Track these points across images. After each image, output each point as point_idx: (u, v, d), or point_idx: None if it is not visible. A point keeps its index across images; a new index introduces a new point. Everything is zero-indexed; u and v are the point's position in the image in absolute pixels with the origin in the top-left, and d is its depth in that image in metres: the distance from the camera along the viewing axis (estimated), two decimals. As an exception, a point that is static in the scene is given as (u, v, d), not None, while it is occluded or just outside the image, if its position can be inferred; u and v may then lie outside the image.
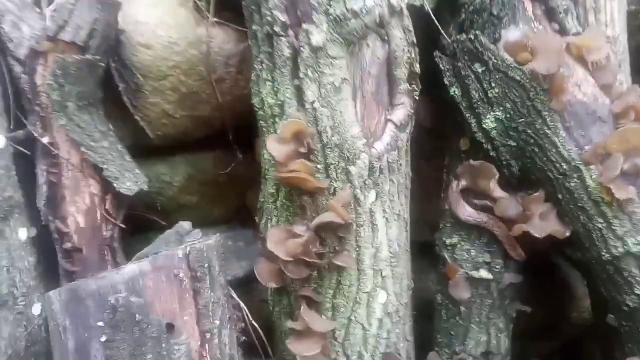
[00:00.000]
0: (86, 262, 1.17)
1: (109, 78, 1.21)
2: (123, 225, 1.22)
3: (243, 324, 1.08)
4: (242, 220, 1.50)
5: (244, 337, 1.05)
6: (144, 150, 1.33)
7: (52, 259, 1.17)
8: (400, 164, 0.98)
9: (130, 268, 0.85)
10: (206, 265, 0.93)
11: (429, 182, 1.21)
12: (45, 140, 1.12)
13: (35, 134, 1.12)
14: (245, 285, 1.36)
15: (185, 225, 1.06)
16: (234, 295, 1.07)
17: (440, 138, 1.18)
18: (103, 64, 1.14)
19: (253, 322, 1.09)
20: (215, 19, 1.22)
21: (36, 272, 1.12)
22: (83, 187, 1.16)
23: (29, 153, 1.15)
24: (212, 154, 1.41)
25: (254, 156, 1.36)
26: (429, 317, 1.19)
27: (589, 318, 1.42)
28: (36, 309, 1.10)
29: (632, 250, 0.84)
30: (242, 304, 1.07)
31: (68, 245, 1.15)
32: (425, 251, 1.25)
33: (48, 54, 1.10)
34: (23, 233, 1.10)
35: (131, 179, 1.19)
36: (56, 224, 1.14)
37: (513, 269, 1.03)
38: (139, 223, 1.37)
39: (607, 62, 0.90)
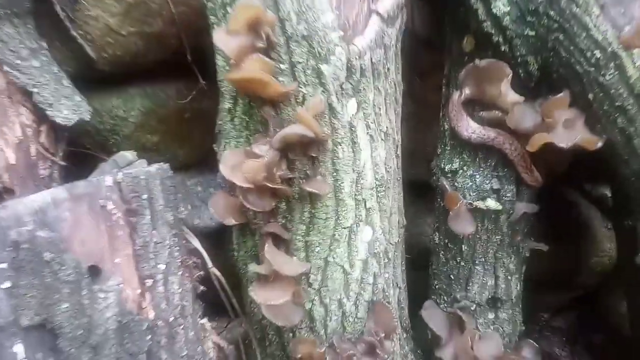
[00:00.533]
0: (19, 205, 0.99)
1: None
2: (63, 163, 1.04)
3: (203, 272, 0.90)
4: (213, 164, 1.30)
5: (202, 287, 0.88)
6: (91, 79, 1.13)
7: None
8: (388, 69, 0.78)
9: (41, 196, 0.66)
10: (145, 196, 0.74)
11: (425, 106, 1.02)
12: (-41, 56, 0.92)
13: (-54, 49, 0.92)
14: (218, 236, 1.19)
15: (128, 154, 0.88)
16: (192, 237, 0.89)
17: (438, 51, 0.97)
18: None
19: (215, 270, 0.91)
20: None
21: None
22: (12, 116, 0.97)
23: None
24: (175, 84, 1.21)
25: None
26: (424, 267, 1.02)
27: (610, 264, 1.25)
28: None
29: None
30: (200, 248, 0.89)
31: (-2, 185, 0.97)
32: (420, 192, 1.07)
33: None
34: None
35: (69, 107, 0.99)
36: (-21, 158, 0.95)
37: (527, 198, 0.84)
38: (91, 167, 1.19)
39: None
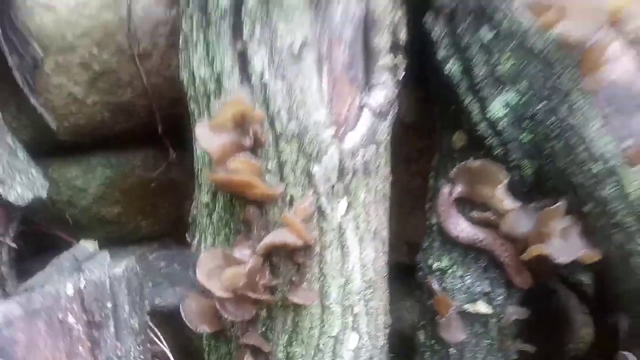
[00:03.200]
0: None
1: (-3, 50, 0.92)
2: (14, 245, 0.93)
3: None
4: (178, 237, 1.22)
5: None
6: (48, 147, 1.04)
7: None
8: (379, 165, 0.74)
9: (-13, 313, 0.56)
10: (109, 305, 0.65)
11: (407, 191, 0.99)
12: None
13: None
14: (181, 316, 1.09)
15: (88, 245, 0.78)
16: (161, 341, 0.80)
17: (424, 136, 0.95)
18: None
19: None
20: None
21: None
22: (-44, 194, 0.86)
23: None
24: (140, 154, 1.13)
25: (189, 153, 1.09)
26: (405, 356, 0.96)
27: (584, 349, 1.23)
28: None
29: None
30: (169, 354, 0.80)
31: None
32: (399, 274, 1.02)
33: None
34: None
35: (23, 183, 0.91)
36: None
37: (516, 301, 0.81)
38: (43, 241, 1.09)
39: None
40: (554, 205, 0.69)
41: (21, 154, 0.93)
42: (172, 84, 0.99)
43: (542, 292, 1.11)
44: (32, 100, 0.95)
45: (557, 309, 1.16)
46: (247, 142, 0.64)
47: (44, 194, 0.93)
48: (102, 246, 0.89)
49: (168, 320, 1.07)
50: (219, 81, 0.66)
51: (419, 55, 0.76)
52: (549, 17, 0.63)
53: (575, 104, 0.65)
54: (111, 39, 0.94)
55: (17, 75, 0.92)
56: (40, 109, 0.95)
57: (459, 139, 0.79)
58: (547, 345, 1.19)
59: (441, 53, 0.71)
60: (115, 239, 1.18)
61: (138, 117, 1.04)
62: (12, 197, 0.88)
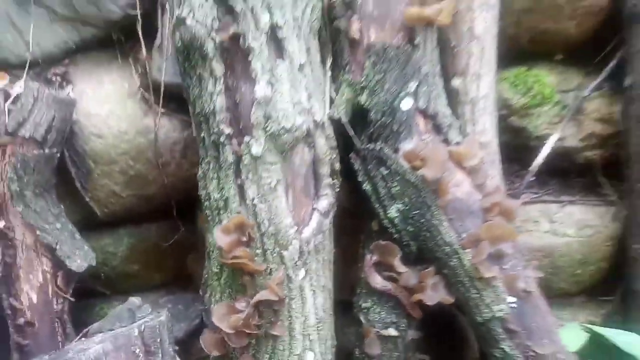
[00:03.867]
0: (38, 335, 1.26)
1: (60, 161, 1.33)
2: (72, 299, 1.33)
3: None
4: (181, 284, 1.63)
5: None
6: (90, 224, 1.45)
7: (2, 335, 1.25)
8: (325, 244, 1.19)
9: (95, 349, 0.97)
10: (158, 340, 1.07)
11: (346, 255, 1.42)
12: (1, 224, 1.21)
13: (-9, 219, 1.21)
14: (184, 344, 1.50)
15: (136, 301, 1.20)
16: (181, 361, 1.21)
17: (357, 218, 1.40)
18: (58, 155, 1.27)
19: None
20: (162, 110, 1.39)
21: (-10, 347, 1.20)
22: (36, 266, 1.26)
23: (-17, 236, 1.24)
24: (154, 226, 1.55)
25: (195, 227, 1.52)
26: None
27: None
28: (-12, 384, 1.17)
29: (496, 315, 1.09)
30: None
31: (21, 320, 1.24)
32: (345, 310, 1.45)
33: (6, 147, 1.21)
34: (-22, 313, 1.18)
35: (81, 257, 1.31)
36: (10, 301, 1.23)
37: (414, 326, 1.26)
38: (82, 291, 1.47)
39: (480, 166, 1.18)
40: (428, 269, 1.16)
41: (77, 235, 1.34)
42: (183, 182, 1.42)
43: (444, 317, 1.57)
44: (86, 196, 1.36)
45: (458, 332, 1.62)
46: (244, 239, 1.08)
47: (93, 262, 1.34)
48: (125, 294, 1.30)
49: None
50: (226, 202, 1.10)
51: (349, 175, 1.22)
52: (416, 163, 1.10)
53: (435, 212, 1.12)
54: (142, 154, 1.37)
55: (77, 183, 1.34)
56: (91, 203, 1.37)
57: (375, 225, 1.24)
58: (453, 356, 1.64)
59: (360, 178, 1.17)
60: (134, 288, 1.58)
61: (157, 202, 1.46)
62: (74, 267, 1.29)
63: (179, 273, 1.63)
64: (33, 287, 1.26)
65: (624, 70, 1.40)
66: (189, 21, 1.07)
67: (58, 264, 1.28)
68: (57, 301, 1.29)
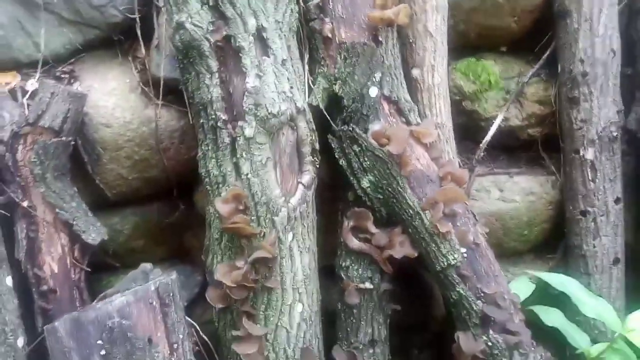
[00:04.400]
0: (59, 301, 1.44)
1: (73, 148, 1.51)
2: (88, 269, 1.51)
3: (195, 338, 1.42)
4: (181, 257, 1.83)
5: (196, 347, 1.40)
6: (100, 205, 1.63)
7: (26, 301, 1.43)
8: (308, 212, 1.40)
9: (119, 300, 1.17)
10: (171, 294, 1.27)
11: (329, 220, 1.64)
12: (25, 204, 1.39)
13: (17, 199, 1.39)
14: (187, 310, 1.69)
15: (148, 265, 1.39)
16: (188, 319, 1.41)
17: (335, 190, 1.62)
18: (73, 142, 1.45)
19: (203, 335, 1.44)
20: (161, 102, 1.57)
21: (18, 312, 1.37)
22: (56, 240, 1.44)
23: (9, 215, 1.41)
24: (156, 205, 1.73)
25: (192, 206, 1.71)
26: (333, 323, 1.61)
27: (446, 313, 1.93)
28: (20, 342, 1.35)
29: (452, 263, 1.33)
30: (194, 323, 1.42)
31: (44, 287, 1.42)
32: (328, 273, 1.67)
33: (27, 136, 1.38)
34: (9, 280, 1.35)
35: (95, 231, 1.49)
36: (34, 271, 1.41)
37: (387, 280, 1.48)
38: (93, 265, 1.65)
39: (436, 143, 1.41)
40: (395, 229, 1.39)
41: (89, 213, 1.52)
42: (181, 165, 1.62)
43: (413, 276, 1.80)
44: (96, 179, 1.54)
45: (426, 288, 1.85)
46: (240, 208, 1.29)
47: (105, 237, 1.52)
48: (131, 267, 1.49)
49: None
50: (224, 177, 1.30)
51: (327, 153, 1.43)
52: (382, 141, 1.32)
53: (399, 181, 1.34)
54: (145, 141, 1.55)
55: (88, 167, 1.52)
56: (101, 185, 1.55)
57: (350, 195, 1.46)
58: (421, 313, 1.88)
59: (336, 155, 1.39)
60: (139, 262, 1.75)
61: (159, 184, 1.65)
62: (89, 240, 1.47)
63: (179, 248, 1.82)
64: (54, 258, 1.44)
65: (557, 59, 1.65)
66: (187, 25, 1.27)
67: (74, 238, 1.46)
68: (74, 271, 1.47)
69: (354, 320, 1.47)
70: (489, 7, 1.59)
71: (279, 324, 1.36)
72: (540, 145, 1.76)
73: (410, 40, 1.48)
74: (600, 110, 1.58)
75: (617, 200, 1.62)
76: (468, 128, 1.71)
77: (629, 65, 1.68)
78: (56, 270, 1.44)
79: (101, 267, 1.68)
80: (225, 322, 1.41)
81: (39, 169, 1.37)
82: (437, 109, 1.50)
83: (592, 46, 1.56)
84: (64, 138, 1.41)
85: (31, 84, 1.51)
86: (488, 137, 1.66)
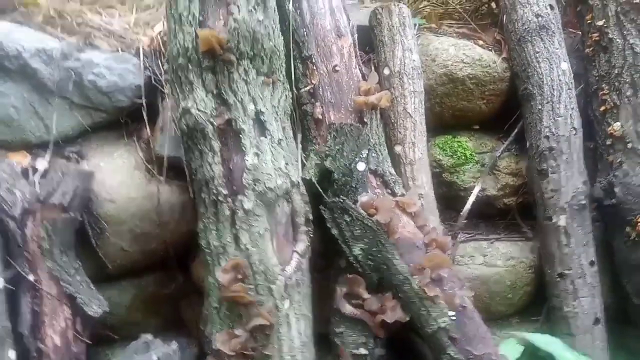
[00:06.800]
0: (60, 376, 1.46)
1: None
2: (90, 342, 1.54)
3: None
4: (177, 330, 1.86)
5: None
6: (99, 278, 1.68)
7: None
8: (304, 279, 1.47)
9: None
10: (171, 365, 1.31)
11: (323, 288, 1.70)
12: (31, 277, 1.45)
13: (23, 273, 1.44)
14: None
15: (148, 336, 1.44)
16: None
17: (328, 258, 1.70)
18: (79, 218, 1.53)
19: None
20: (164, 178, 1.68)
21: (19, 387, 1.39)
22: (59, 313, 1.48)
23: (14, 289, 1.46)
24: (153, 277, 1.79)
25: (189, 277, 1.78)
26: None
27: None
28: (19, 420, 1.35)
29: (441, 326, 1.40)
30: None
31: (45, 362, 1.44)
32: (324, 340, 1.71)
33: (37, 212, 1.47)
34: (12, 354, 1.38)
35: (97, 304, 1.53)
36: (37, 344, 1.43)
37: (380, 345, 1.54)
38: (93, 338, 1.68)
39: (420, 212, 1.53)
40: (387, 295, 1.46)
41: (91, 286, 1.57)
42: (181, 238, 1.70)
43: (406, 343, 1.85)
44: (99, 252, 1.61)
45: (418, 353, 1.89)
46: (239, 277, 1.36)
47: (107, 309, 1.56)
48: (127, 340, 1.53)
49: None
50: (224, 247, 1.39)
51: (320, 223, 1.53)
52: (371, 211, 1.44)
53: (388, 248, 1.44)
54: (147, 215, 1.64)
55: (92, 238, 1.60)
56: (104, 259, 1.62)
57: (342, 262, 1.55)
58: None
59: (328, 224, 1.49)
60: (135, 334, 1.78)
61: (157, 256, 1.72)
62: (92, 313, 1.51)
63: (174, 320, 1.85)
64: (56, 331, 1.47)
65: (525, 135, 1.83)
66: (193, 110, 1.41)
67: (77, 311, 1.50)
68: (75, 344, 1.50)
69: (350, 385, 1.50)
70: (460, 92, 1.79)
71: (275, 393, 1.39)
72: (517, 213, 1.89)
73: (392, 121, 1.65)
74: (568, 181, 1.73)
75: (591, 263, 1.73)
76: (449, 198, 1.84)
77: (591, 140, 1.86)
78: (59, 344, 1.47)
79: (99, 340, 1.71)
80: (224, 391, 1.43)
81: (46, 244, 1.45)
82: (420, 180, 1.64)
83: (556, 124, 1.74)
84: (71, 214, 1.49)
85: (41, 163, 1.61)
86: (468, 206, 1.78)
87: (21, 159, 1.64)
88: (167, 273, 1.78)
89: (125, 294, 1.74)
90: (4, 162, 1.55)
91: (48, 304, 1.46)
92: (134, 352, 1.39)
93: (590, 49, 1.85)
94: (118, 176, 1.64)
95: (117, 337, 1.70)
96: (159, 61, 1.81)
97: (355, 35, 1.69)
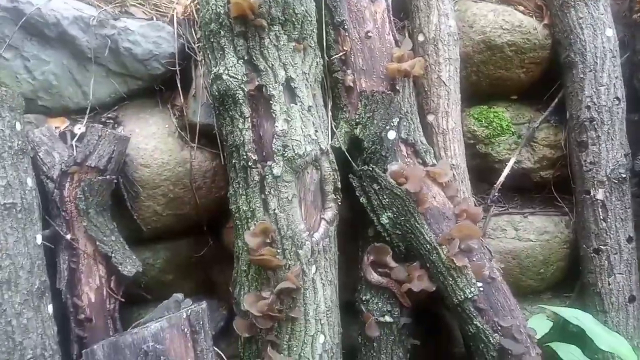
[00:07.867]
0: (95, 329, 1.53)
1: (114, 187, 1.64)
2: (122, 299, 1.60)
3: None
4: (207, 292, 1.91)
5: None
6: (134, 240, 1.74)
7: (64, 329, 1.51)
8: (331, 247, 1.48)
9: (154, 325, 1.25)
10: (201, 322, 1.34)
11: (350, 255, 1.71)
12: (68, 236, 1.51)
13: (61, 232, 1.51)
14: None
15: (180, 295, 1.48)
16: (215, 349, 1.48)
17: (356, 226, 1.70)
18: (115, 181, 1.58)
19: (228, 363, 1.50)
20: (196, 145, 1.71)
21: (57, 338, 1.46)
22: (95, 271, 1.55)
23: (53, 247, 1.52)
24: (186, 241, 1.84)
25: (220, 242, 1.82)
26: (353, 358, 1.66)
27: (463, 351, 1.95)
28: (58, 368, 1.43)
29: (468, 296, 1.39)
30: (220, 352, 1.48)
31: (82, 316, 1.51)
32: (348, 309, 1.73)
33: (74, 174, 1.52)
34: (50, 308, 1.45)
35: (131, 264, 1.59)
36: (73, 300, 1.50)
37: (406, 315, 1.54)
38: (126, 296, 1.75)
39: (451, 182, 1.50)
40: (414, 264, 1.46)
41: (126, 247, 1.63)
42: (212, 203, 1.73)
43: (435, 314, 1.85)
44: (135, 215, 1.66)
45: (444, 326, 1.89)
46: (268, 241, 1.38)
47: (140, 269, 1.62)
48: (160, 300, 1.57)
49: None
50: (253, 212, 1.41)
51: (348, 191, 1.53)
52: (400, 180, 1.42)
53: (417, 218, 1.43)
54: (180, 180, 1.67)
55: (127, 202, 1.65)
56: (138, 221, 1.67)
57: (370, 231, 1.55)
58: (440, 349, 1.91)
59: (357, 193, 1.49)
60: (168, 295, 1.84)
61: (190, 220, 1.76)
62: (125, 272, 1.57)
63: (205, 283, 1.91)
64: (92, 288, 1.53)
65: (565, 106, 1.75)
66: (224, 76, 1.41)
67: (112, 270, 1.56)
68: (109, 301, 1.57)
69: (375, 354, 1.51)
70: (499, 60, 1.72)
71: (302, 354, 1.41)
72: (553, 187, 1.83)
73: (425, 89, 1.61)
74: (608, 153, 1.66)
75: (629, 239, 1.67)
76: (482, 170, 1.80)
77: (635, 112, 1.77)
78: (93, 300, 1.54)
79: (132, 299, 1.77)
80: (250, 352, 1.47)
81: (83, 205, 1.50)
82: (452, 151, 1.60)
83: (598, 94, 1.66)
84: (107, 177, 1.54)
85: (79, 128, 1.66)
86: (502, 178, 1.74)
87: (60, 124, 1.70)
88: (199, 238, 1.82)
89: (158, 257, 1.79)
90: (44, 127, 1.60)
91: (84, 262, 1.53)
92: (165, 309, 1.43)
93: (638, 15, 1.75)
94: (152, 142, 1.67)
95: (150, 297, 1.76)
96: (192, 29, 1.82)
97: (389, 0, 1.64)
